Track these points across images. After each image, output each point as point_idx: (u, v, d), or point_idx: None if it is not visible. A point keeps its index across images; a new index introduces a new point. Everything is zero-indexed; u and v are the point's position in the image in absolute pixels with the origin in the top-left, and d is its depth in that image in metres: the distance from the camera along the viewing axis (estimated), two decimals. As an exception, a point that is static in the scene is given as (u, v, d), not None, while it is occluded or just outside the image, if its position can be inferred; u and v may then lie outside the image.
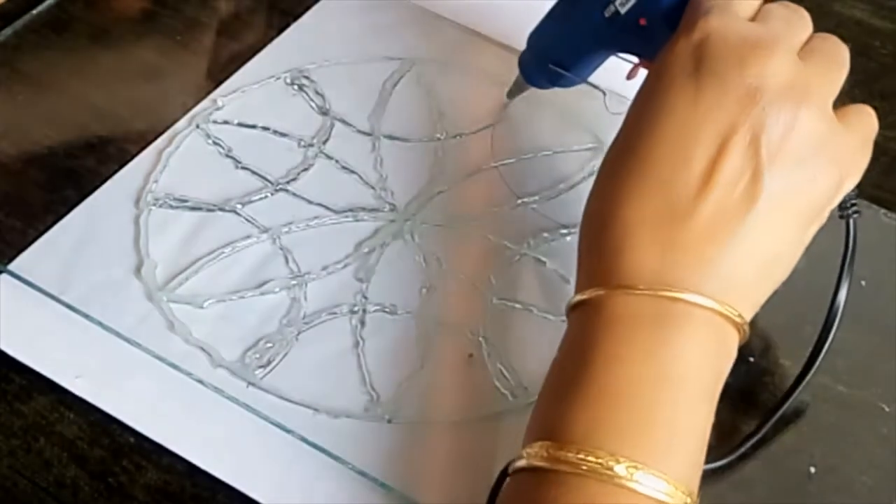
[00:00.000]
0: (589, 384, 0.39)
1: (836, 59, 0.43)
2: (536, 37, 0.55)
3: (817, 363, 0.48)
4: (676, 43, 0.43)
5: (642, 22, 0.47)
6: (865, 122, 0.44)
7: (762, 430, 0.47)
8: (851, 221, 0.47)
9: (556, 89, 0.56)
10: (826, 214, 0.43)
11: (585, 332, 0.41)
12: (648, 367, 0.39)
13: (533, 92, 0.61)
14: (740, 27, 0.42)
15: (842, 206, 0.46)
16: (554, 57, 0.54)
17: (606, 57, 0.53)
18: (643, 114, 0.43)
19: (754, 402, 0.49)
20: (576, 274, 0.43)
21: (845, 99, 0.64)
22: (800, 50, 0.42)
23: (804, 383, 0.48)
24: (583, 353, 0.40)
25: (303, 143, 0.59)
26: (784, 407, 0.48)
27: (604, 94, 0.55)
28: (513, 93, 0.58)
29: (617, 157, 0.43)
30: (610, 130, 0.59)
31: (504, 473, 0.41)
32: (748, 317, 0.41)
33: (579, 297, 0.41)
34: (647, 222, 0.40)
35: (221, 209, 0.56)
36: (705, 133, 0.40)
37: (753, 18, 0.43)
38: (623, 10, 0.48)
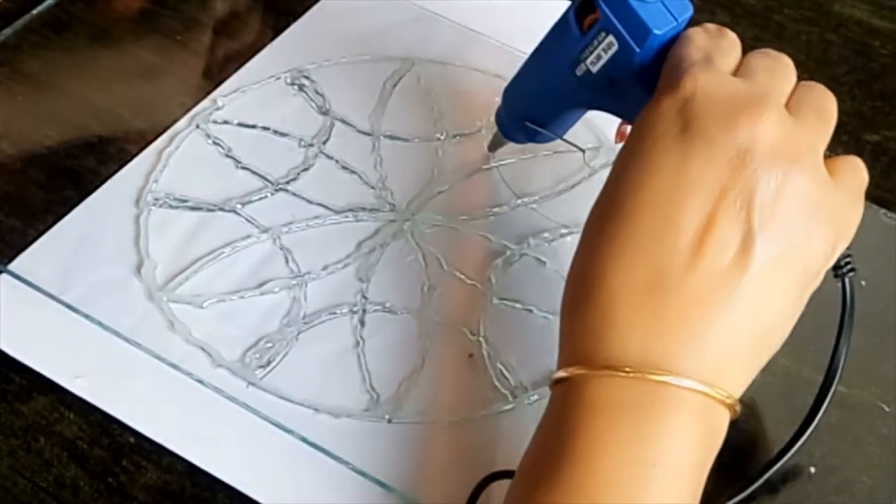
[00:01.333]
0: (572, 471, 0.37)
1: (825, 111, 0.41)
2: (510, 93, 0.53)
3: (816, 421, 0.46)
4: (660, 102, 0.40)
5: (615, 81, 0.45)
6: (857, 176, 0.42)
7: (749, 489, 0.45)
8: (847, 280, 0.46)
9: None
10: (821, 276, 0.41)
11: (568, 414, 0.39)
12: (634, 454, 0.37)
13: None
14: (727, 84, 0.40)
15: (836, 266, 0.45)
16: (528, 113, 0.52)
17: (582, 114, 0.52)
18: (627, 176, 0.40)
19: (742, 468, 0.47)
20: (558, 341, 0.41)
21: (845, 98, 0.64)
22: (787, 102, 0.40)
23: (800, 443, 0.46)
24: (565, 436, 0.38)
25: (303, 143, 0.59)
26: (774, 468, 0.46)
27: (583, 151, 0.54)
28: (493, 146, 0.57)
29: (601, 220, 0.41)
30: (610, 130, 0.59)
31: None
32: (741, 391, 0.39)
33: (562, 375, 0.40)
34: (633, 294, 0.38)
35: (221, 209, 0.56)
36: (693, 198, 0.38)
37: (737, 71, 0.41)
38: (594, 70, 0.46)
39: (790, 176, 0.38)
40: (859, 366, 0.50)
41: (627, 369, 0.38)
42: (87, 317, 0.51)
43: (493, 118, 0.55)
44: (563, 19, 0.47)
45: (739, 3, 0.67)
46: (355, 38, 0.64)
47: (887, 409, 0.49)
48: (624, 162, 0.41)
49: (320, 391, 0.49)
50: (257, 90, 0.62)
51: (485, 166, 0.58)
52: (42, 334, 0.51)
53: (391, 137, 0.60)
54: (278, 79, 0.62)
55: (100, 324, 0.51)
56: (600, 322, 0.39)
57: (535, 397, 0.49)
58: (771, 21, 0.66)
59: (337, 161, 0.58)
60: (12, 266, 0.53)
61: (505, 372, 0.50)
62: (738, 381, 0.39)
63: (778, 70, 0.41)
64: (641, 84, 0.44)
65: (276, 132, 0.60)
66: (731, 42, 0.43)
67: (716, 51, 0.42)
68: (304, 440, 0.48)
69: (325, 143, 0.59)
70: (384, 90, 0.62)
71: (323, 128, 0.60)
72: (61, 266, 0.53)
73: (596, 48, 0.45)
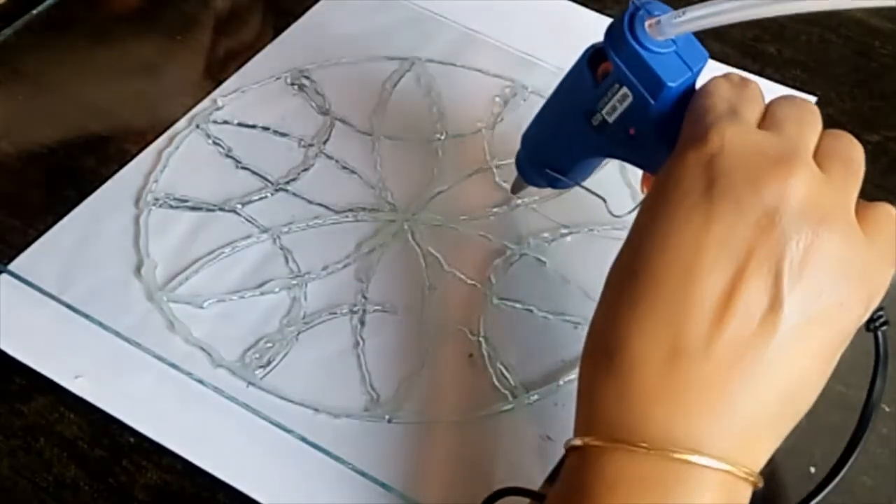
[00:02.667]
0: None
1: (854, 163, 0.39)
2: (529, 138, 0.52)
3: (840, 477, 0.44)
4: (685, 156, 0.38)
5: (632, 132, 0.44)
6: (890, 225, 0.39)
7: None
8: (880, 334, 0.43)
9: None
10: (853, 334, 0.39)
11: (586, 486, 0.37)
12: None
13: (532, 93, 0.61)
14: (754, 139, 0.38)
15: (869, 320, 0.42)
16: (547, 160, 0.50)
17: (601, 162, 0.50)
18: (649, 235, 0.38)
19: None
20: (576, 400, 0.40)
21: (845, 98, 0.64)
22: (814, 153, 0.38)
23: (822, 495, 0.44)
24: None
25: (303, 143, 0.59)
26: None
27: (604, 200, 0.51)
28: (515, 189, 0.55)
29: (622, 281, 0.39)
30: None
31: None
32: (765, 461, 0.37)
33: (579, 443, 0.38)
34: (654, 363, 0.37)
35: (221, 209, 0.56)
36: (719, 260, 0.36)
37: (762, 122, 0.40)
38: (610, 120, 0.44)
39: (820, 236, 0.36)
40: (859, 366, 0.50)
41: (647, 445, 0.36)
42: (87, 317, 0.51)
43: (492, 118, 0.55)
44: (578, 67, 0.46)
45: (739, 3, 0.67)
46: (355, 38, 0.64)
47: (887, 409, 0.49)
48: (646, 219, 0.39)
49: (320, 391, 0.49)
50: (257, 90, 0.62)
51: (484, 166, 0.58)
52: (42, 334, 0.51)
53: (391, 137, 0.60)
54: (278, 79, 0.62)
55: (100, 324, 0.51)
56: (620, 391, 0.37)
57: (535, 397, 0.49)
58: (771, 21, 0.66)
59: (337, 161, 0.58)
60: (12, 266, 0.53)
61: (505, 372, 0.50)
62: (762, 453, 0.38)
63: (805, 120, 0.39)
64: (660, 136, 0.42)
65: (276, 132, 0.60)
66: (754, 92, 0.41)
67: (740, 102, 0.40)
68: (304, 440, 0.48)
69: (325, 143, 0.59)
70: (384, 90, 0.62)
71: (323, 128, 0.60)
72: (61, 266, 0.53)
73: (611, 99, 0.44)
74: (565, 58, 0.62)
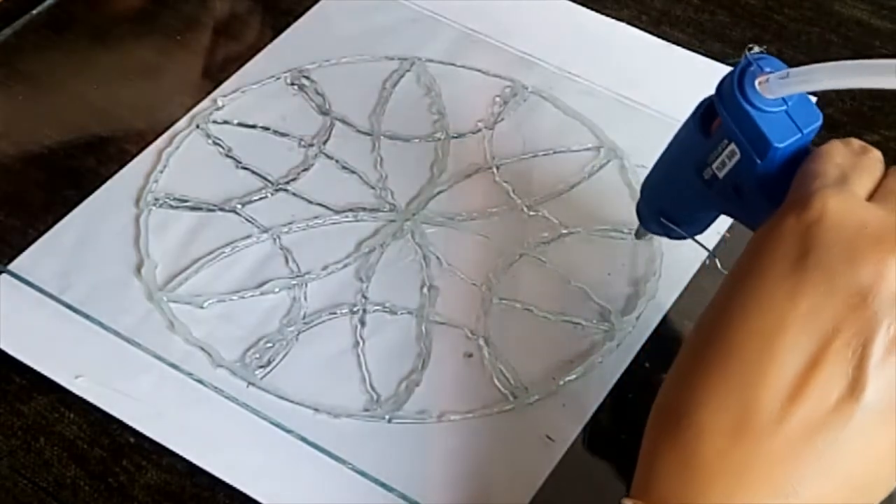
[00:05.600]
0: None
1: None
2: (646, 186, 0.51)
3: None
4: (783, 220, 0.37)
5: (739, 189, 0.42)
6: None
7: None
8: None
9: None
10: None
11: None
12: None
13: (532, 93, 0.61)
14: (858, 212, 0.36)
15: None
16: (661, 209, 0.49)
17: (715, 216, 0.48)
18: (734, 299, 0.37)
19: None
20: (639, 458, 0.38)
21: (845, 98, 0.64)
22: None
23: None
24: None
25: (303, 143, 0.59)
26: None
27: (713, 255, 0.51)
28: (638, 235, 0.54)
29: (700, 343, 0.37)
30: (610, 130, 0.59)
31: None
32: None
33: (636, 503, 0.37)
34: (720, 436, 0.35)
35: (221, 209, 0.56)
36: (803, 335, 0.35)
37: (873, 193, 0.38)
38: (720, 175, 0.43)
39: None
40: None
41: None
42: (87, 317, 0.51)
43: (492, 118, 0.55)
44: (692, 119, 0.45)
45: (739, 3, 0.67)
46: (355, 38, 0.64)
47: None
48: (735, 280, 0.38)
49: (320, 391, 0.49)
50: (257, 90, 0.62)
51: (485, 166, 0.58)
52: (42, 334, 0.51)
53: (391, 137, 0.60)
54: (278, 79, 0.62)
55: (100, 324, 0.51)
56: (682, 459, 0.36)
57: (535, 397, 0.49)
58: (771, 21, 0.66)
59: (337, 161, 0.58)
60: (12, 266, 0.53)
61: (505, 372, 0.50)
62: None
63: None
64: (766, 195, 0.41)
65: (276, 132, 0.60)
66: (872, 161, 0.39)
67: (854, 170, 0.38)
68: (303, 440, 0.48)
69: (325, 143, 0.59)
70: (384, 90, 0.62)
71: (323, 128, 0.60)
72: (61, 266, 0.53)
73: (720, 154, 0.43)
74: (565, 58, 0.62)
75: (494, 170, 0.58)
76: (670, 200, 0.49)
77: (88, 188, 0.57)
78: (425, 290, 0.53)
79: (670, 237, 0.50)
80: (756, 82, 0.40)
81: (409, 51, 0.64)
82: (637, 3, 0.66)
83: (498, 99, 0.61)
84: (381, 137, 0.60)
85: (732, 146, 0.42)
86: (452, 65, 0.63)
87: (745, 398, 0.35)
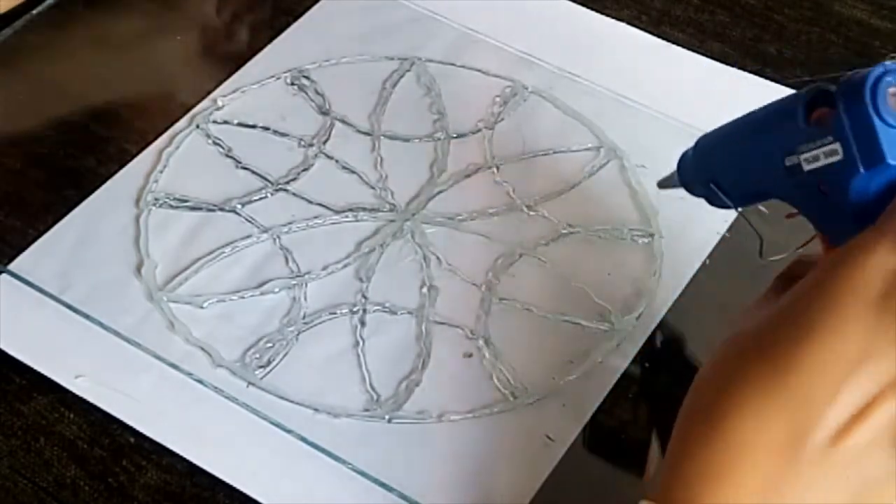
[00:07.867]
0: None
1: None
2: (706, 147, 0.47)
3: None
4: (871, 250, 0.35)
5: (823, 189, 0.40)
6: None
7: None
8: None
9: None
10: None
11: None
12: None
13: (532, 93, 0.61)
14: None
15: None
16: (718, 176, 0.46)
17: (771, 198, 0.45)
18: (805, 314, 0.35)
19: None
20: (666, 455, 0.37)
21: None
22: None
23: None
24: None
25: (303, 143, 0.59)
26: None
27: (761, 239, 0.47)
28: (662, 185, 0.52)
29: (754, 350, 0.36)
30: (610, 130, 0.59)
31: None
32: None
33: None
34: (765, 450, 0.34)
35: (221, 209, 0.56)
36: (864, 376, 0.34)
37: None
38: (806, 168, 0.40)
39: None
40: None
41: None
42: (87, 317, 0.51)
43: (492, 118, 0.55)
44: (791, 103, 0.42)
45: (739, 3, 0.67)
46: (355, 38, 0.64)
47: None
48: (808, 295, 0.36)
49: (320, 391, 0.49)
50: (257, 90, 0.62)
51: (485, 166, 0.58)
52: (42, 334, 0.51)
53: (391, 137, 0.60)
54: (278, 79, 0.62)
55: (100, 324, 0.51)
56: (716, 469, 0.35)
57: (535, 397, 0.49)
58: (771, 21, 0.66)
59: (337, 161, 0.58)
60: (12, 266, 0.53)
61: (505, 372, 0.50)
62: None
63: None
64: (852, 208, 0.39)
65: (276, 132, 0.60)
66: None
67: None
68: (303, 440, 0.48)
69: (325, 142, 0.59)
70: (384, 90, 0.62)
71: (323, 128, 0.60)
72: (61, 266, 0.53)
73: (817, 147, 0.40)
74: (565, 58, 0.62)
75: (494, 170, 0.58)
76: (734, 172, 0.46)
77: (88, 188, 0.57)
78: (425, 290, 0.53)
79: (712, 203, 0.48)
80: (889, 92, 0.38)
81: (409, 51, 0.64)
82: (637, 3, 0.66)
83: (498, 99, 0.61)
84: (381, 137, 0.60)
85: (836, 145, 0.39)
86: (452, 65, 0.63)
87: (797, 421, 0.34)
